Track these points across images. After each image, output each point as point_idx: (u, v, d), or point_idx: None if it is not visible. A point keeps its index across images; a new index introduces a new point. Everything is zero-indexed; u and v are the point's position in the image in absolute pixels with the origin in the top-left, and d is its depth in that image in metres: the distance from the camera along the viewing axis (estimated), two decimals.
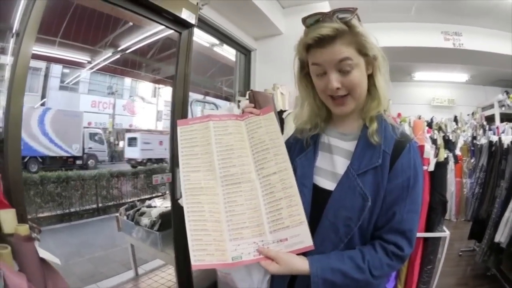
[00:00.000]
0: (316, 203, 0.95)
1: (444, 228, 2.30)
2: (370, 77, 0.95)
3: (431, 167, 2.16)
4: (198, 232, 0.90)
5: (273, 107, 1.20)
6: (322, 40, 0.88)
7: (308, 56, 0.95)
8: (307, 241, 0.89)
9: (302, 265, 0.87)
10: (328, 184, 0.96)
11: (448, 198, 5.64)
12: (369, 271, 0.87)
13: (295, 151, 1.07)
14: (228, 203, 0.96)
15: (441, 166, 2.24)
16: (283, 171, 0.97)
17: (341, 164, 0.97)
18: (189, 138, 1.05)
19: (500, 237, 2.80)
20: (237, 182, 0.98)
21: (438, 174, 2.21)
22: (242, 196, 0.97)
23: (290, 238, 0.90)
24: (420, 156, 1.00)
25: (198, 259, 0.86)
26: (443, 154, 2.37)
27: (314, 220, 0.92)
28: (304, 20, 0.94)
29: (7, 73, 1.52)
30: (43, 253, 0.99)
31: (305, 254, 0.89)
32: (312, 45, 0.91)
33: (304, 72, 1.04)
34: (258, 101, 1.16)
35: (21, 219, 1.15)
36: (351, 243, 0.91)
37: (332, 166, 0.99)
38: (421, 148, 2.12)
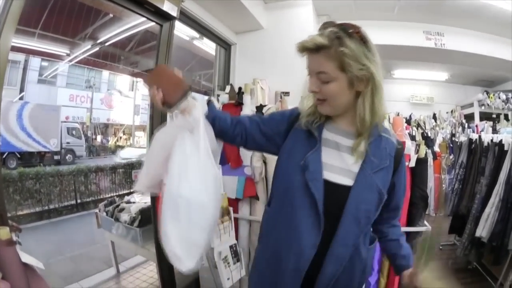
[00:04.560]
0: (331, 197, 1.01)
1: (425, 222, 2.35)
2: (360, 94, 1.00)
3: (412, 163, 2.19)
4: None
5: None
6: (307, 50, 0.98)
7: None
8: None
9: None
10: (342, 179, 1.03)
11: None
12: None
13: (299, 144, 1.09)
14: None
15: (421, 162, 2.27)
16: None
17: (352, 162, 1.04)
18: None
19: (481, 232, 2.87)
20: None
21: (419, 170, 2.25)
22: None
23: None
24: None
25: None
26: (424, 150, 2.39)
27: (332, 214, 1.00)
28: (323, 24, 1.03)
29: None
30: (25, 258, 0.97)
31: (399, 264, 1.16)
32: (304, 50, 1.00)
33: None
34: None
35: (1, 219, 1.09)
36: (368, 232, 1.11)
37: (343, 162, 1.05)
38: (403, 144, 2.14)
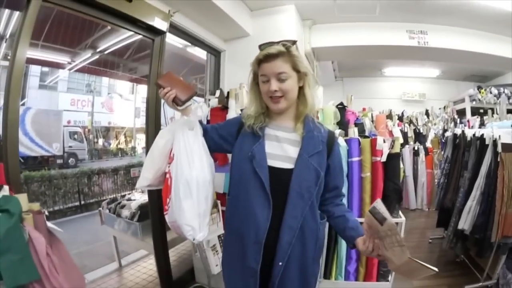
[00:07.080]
0: (276, 179, 1.27)
1: (400, 213, 2.46)
2: (301, 88, 1.33)
3: (384, 158, 2.35)
4: None
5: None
6: (268, 57, 1.26)
7: (259, 69, 1.31)
8: None
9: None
10: (284, 164, 1.30)
11: (419, 188, 5.86)
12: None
13: (247, 140, 1.36)
14: None
15: (393, 157, 2.42)
16: None
17: (291, 150, 1.32)
18: None
19: (464, 224, 2.87)
20: None
21: (391, 164, 2.40)
22: None
23: None
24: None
25: None
26: (399, 146, 2.53)
27: (279, 193, 1.26)
28: (260, 46, 1.32)
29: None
30: (49, 224, 1.38)
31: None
32: (262, 60, 1.28)
33: (255, 82, 1.38)
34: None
35: None
36: (313, 205, 1.31)
37: (283, 151, 1.32)
38: (374, 141, 2.34)
